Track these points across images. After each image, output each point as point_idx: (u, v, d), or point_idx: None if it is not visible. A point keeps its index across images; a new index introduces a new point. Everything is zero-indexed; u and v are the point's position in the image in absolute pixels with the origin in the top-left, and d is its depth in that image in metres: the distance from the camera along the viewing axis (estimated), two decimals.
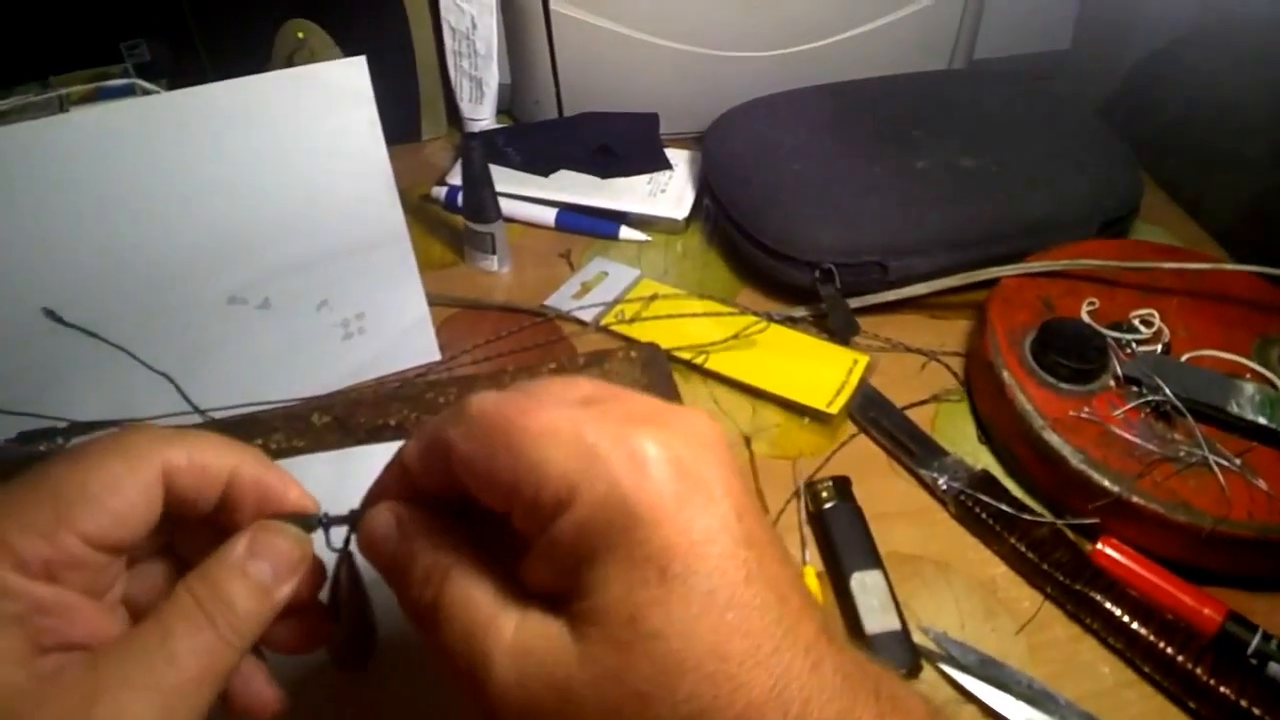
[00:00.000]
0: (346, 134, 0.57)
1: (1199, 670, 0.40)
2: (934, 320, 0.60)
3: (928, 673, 0.42)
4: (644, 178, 0.70)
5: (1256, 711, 0.38)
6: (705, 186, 0.67)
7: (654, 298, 0.60)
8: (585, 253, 0.66)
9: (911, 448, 0.51)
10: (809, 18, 0.72)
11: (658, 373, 0.54)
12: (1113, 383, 0.49)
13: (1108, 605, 0.42)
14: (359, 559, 0.30)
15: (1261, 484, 0.44)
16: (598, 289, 0.61)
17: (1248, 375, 0.49)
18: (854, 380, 0.54)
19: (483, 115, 0.75)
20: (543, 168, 0.70)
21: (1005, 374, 0.50)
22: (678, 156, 0.72)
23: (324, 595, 0.31)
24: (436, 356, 0.57)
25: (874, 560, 0.45)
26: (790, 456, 0.51)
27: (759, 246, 0.60)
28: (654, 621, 0.23)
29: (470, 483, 0.26)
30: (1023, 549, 0.45)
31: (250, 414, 0.52)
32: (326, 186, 0.58)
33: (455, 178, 0.69)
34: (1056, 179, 0.61)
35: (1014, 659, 0.42)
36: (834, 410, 0.52)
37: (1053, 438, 0.47)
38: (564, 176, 0.70)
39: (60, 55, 0.67)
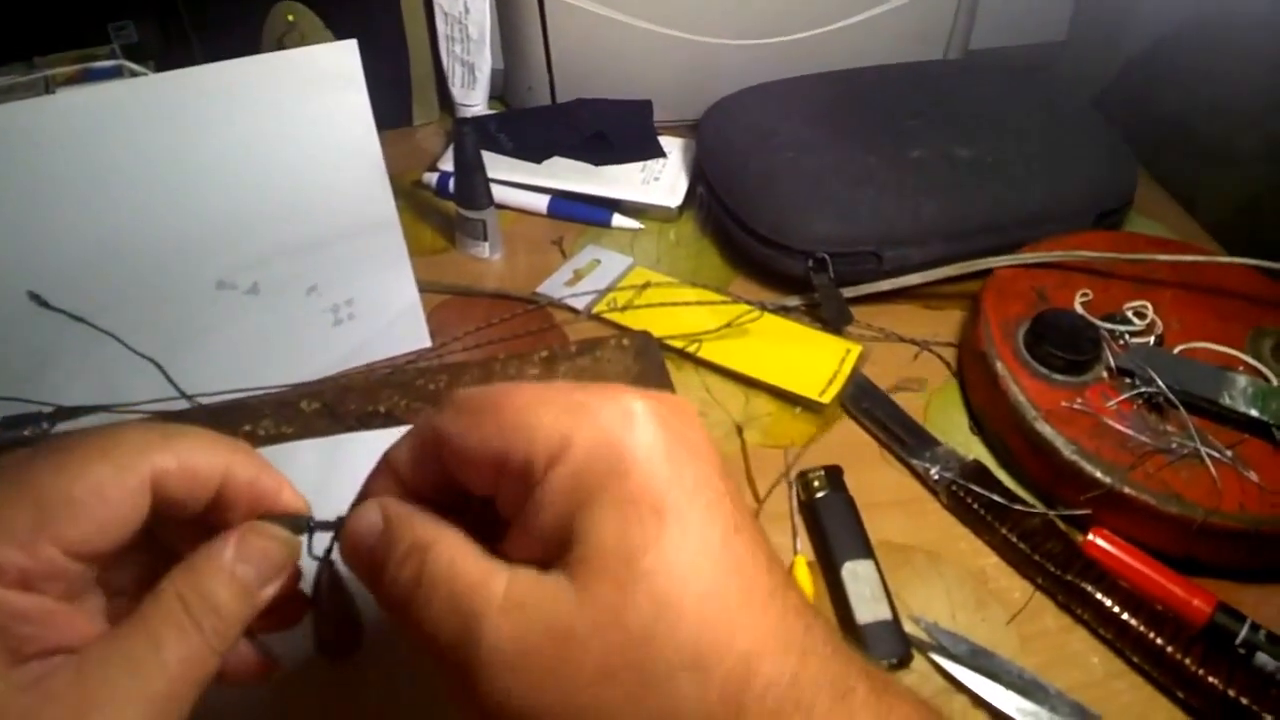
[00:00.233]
0: (337, 118, 0.57)
1: (1188, 660, 0.40)
2: (927, 310, 0.60)
3: (918, 662, 0.42)
4: (637, 165, 0.70)
5: (1244, 701, 0.38)
6: (699, 174, 0.67)
7: (646, 286, 0.60)
8: (578, 240, 0.65)
9: (904, 437, 0.51)
10: (804, 6, 0.72)
11: (650, 361, 0.53)
12: (1105, 374, 0.49)
13: (1098, 596, 0.42)
14: (341, 566, 0.30)
15: (1253, 476, 0.44)
16: (590, 277, 0.61)
17: (1240, 368, 0.49)
18: (846, 370, 0.54)
19: (475, 101, 0.74)
20: (535, 154, 0.70)
21: (998, 364, 0.50)
22: (671, 144, 0.72)
23: (306, 587, 0.31)
24: (427, 343, 0.56)
25: (865, 550, 0.45)
26: (782, 445, 0.51)
27: (752, 235, 0.60)
28: (652, 561, 0.23)
29: (460, 462, 0.26)
30: (1014, 539, 0.45)
31: (238, 400, 0.51)
32: (316, 171, 0.57)
33: (447, 163, 0.68)
34: (1052, 170, 0.61)
35: (1005, 649, 0.42)
36: (826, 400, 0.52)
37: (1045, 428, 0.47)
38: (557, 163, 0.69)
39: (46, 35, 0.66)
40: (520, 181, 0.68)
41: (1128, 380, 0.49)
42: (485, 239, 0.63)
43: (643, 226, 0.66)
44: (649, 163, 0.70)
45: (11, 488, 0.25)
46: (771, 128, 0.64)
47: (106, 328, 0.52)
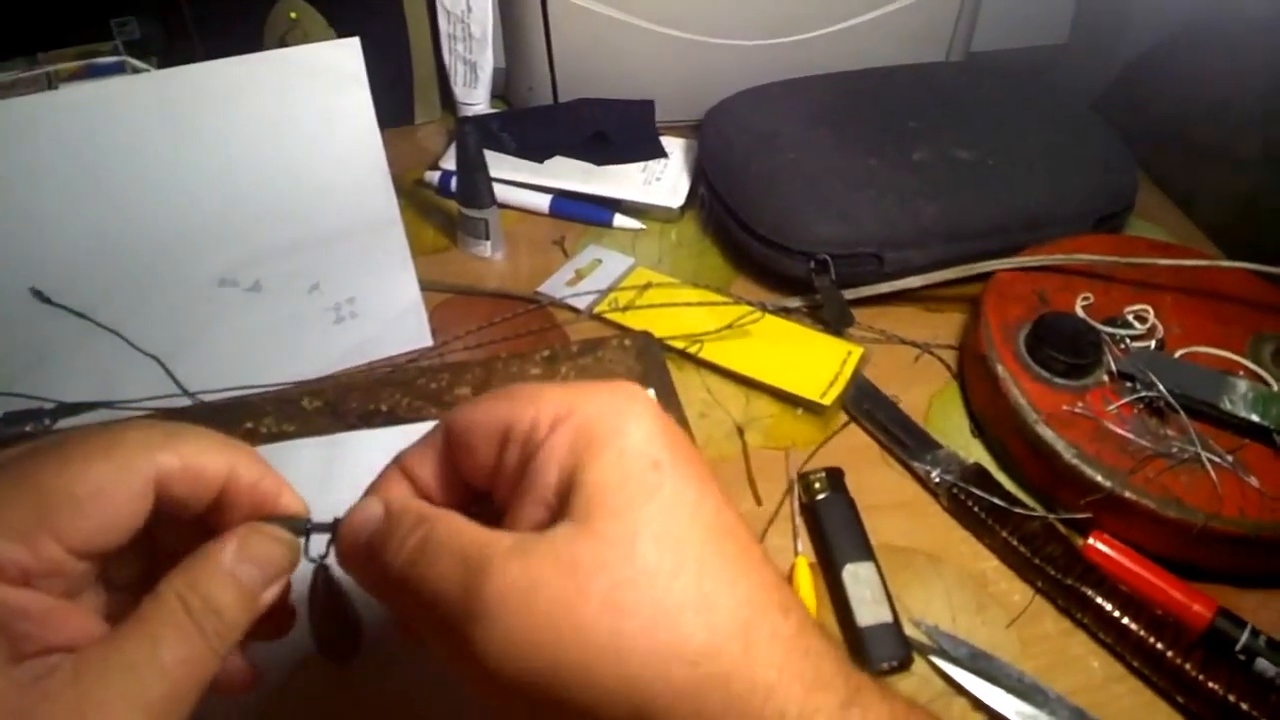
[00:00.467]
0: (339, 116, 0.57)
1: (1188, 666, 0.40)
2: (928, 313, 0.60)
3: (919, 665, 0.42)
4: (639, 165, 0.70)
5: (1244, 707, 0.38)
6: (700, 175, 0.67)
7: (648, 286, 0.60)
8: (579, 240, 0.65)
9: (904, 440, 0.51)
10: (807, 7, 0.72)
11: (651, 361, 0.53)
12: (1106, 378, 0.49)
13: (1098, 600, 0.42)
14: (335, 569, 0.30)
15: (1253, 481, 0.44)
16: (591, 277, 0.61)
17: (1241, 372, 0.49)
18: (848, 371, 0.54)
19: (477, 100, 0.74)
20: (537, 154, 0.70)
21: (999, 368, 0.50)
22: (673, 144, 0.72)
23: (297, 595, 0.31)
24: (429, 342, 0.56)
25: (866, 552, 0.45)
26: (783, 447, 0.51)
27: (754, 236, 0.60)
28: (655, 508, 0.25)
29: (466, 440, 0.27)
30: (1014, 543, 0.45)
31: (240, 397, 0.51)
32: (318, 169, 0.57)
33: (448, 162, 0.68)
34: (1053, 173, 0.61)
35: (1005, 652, 0.42)
36: (827, 401, 0.52)
37: (1046, 432, 0.47)
38: (558, 163, 0.69)
39: (49, 31, 0.66)
40: (522, 181, 0.68)
41: (1128, 384, 0.49)
42: (487, 238, 0.63)
43: (644, 227, 0.66)
44: (650, 163, 0.70)
45: (13, 484, 0.25)
46: (773, 129, 0.64)
47: (108, 324, 0.52)
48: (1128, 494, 0.44)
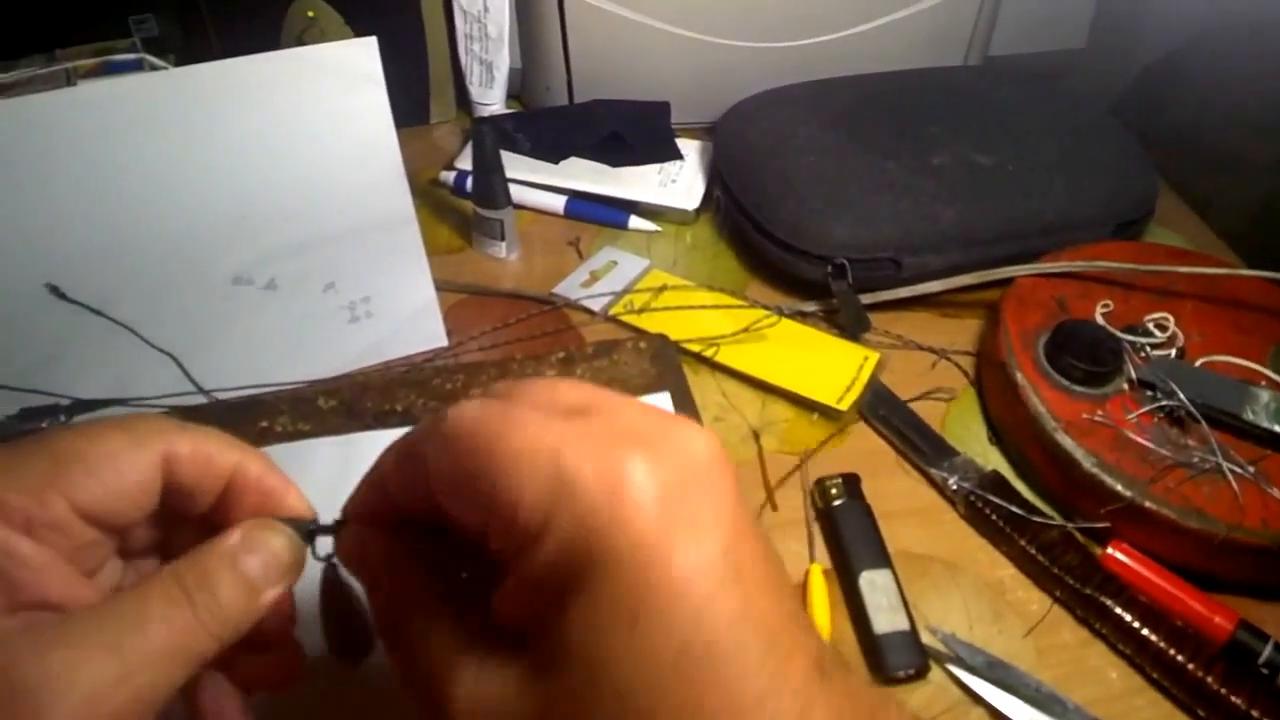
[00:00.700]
0: (355, 115, 0.57)
1: (1209, 679, 0.39)
2: (945, 318, 0.60)
3: (935, 674, 0.42)
4: (654, 167, 0.69)
5: None
6: (716, 177, 0.67)
7: (663, 288, 0.60)
8: (594, 241, 0.65)
9: (921, 446, 0.50)
10: (824, 10, 0.72)
11: (667, 364, 0.53)
12: (1126, 386, 0.49)
13: (1117, 610, 0.42)
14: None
15: (1275, 492, 0.44)
16: (606, 278, 0.61)
17: (1263, 382, 0.49)
18: (864, 377, 0.54)
19: (492, 100, 0.74)
20: (552, 154, 0.69)
21: (1019, 375, 0.50)
22: (688, 147, 0.72)
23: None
24: (444, 342, 0.56)
25: (883, 559, 0.44)
26: (798, 452, 0.51)
27: (771, 239, 0.60)
28: (619, 675, 0.22)
29: (444, 500, 0.25)
30: (1032, 551, 0.45)
31: (255, 396, 0.51)
32: (334, 167, 0.57)
33: (463, 162, 0.68)
34: (1072, 179, 0.61)
35: (1022, 662, 0.42)
36: (844, 406, 0.52)
37: (1065, 440, 0.47)
38: (574, 164, 0.69)
39: (67, 28, 0.66)
40: (537, 181, 0.67)
41: (1149, 393, 0.48)
42: (502, 239, 0.62)
43: (659, 229, 0.66)
44: (666, 165, 0.70)
45: (32, 447, 0.26)
46: (790, 131, 0.64)
47: (123, 321, 0.52)
48: (1148, 504, 0.44)
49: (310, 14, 0.68)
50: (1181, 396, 0.47)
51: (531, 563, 0.23)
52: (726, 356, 0.55)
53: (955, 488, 0.48)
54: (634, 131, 0.70)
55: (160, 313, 0.53)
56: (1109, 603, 0.42)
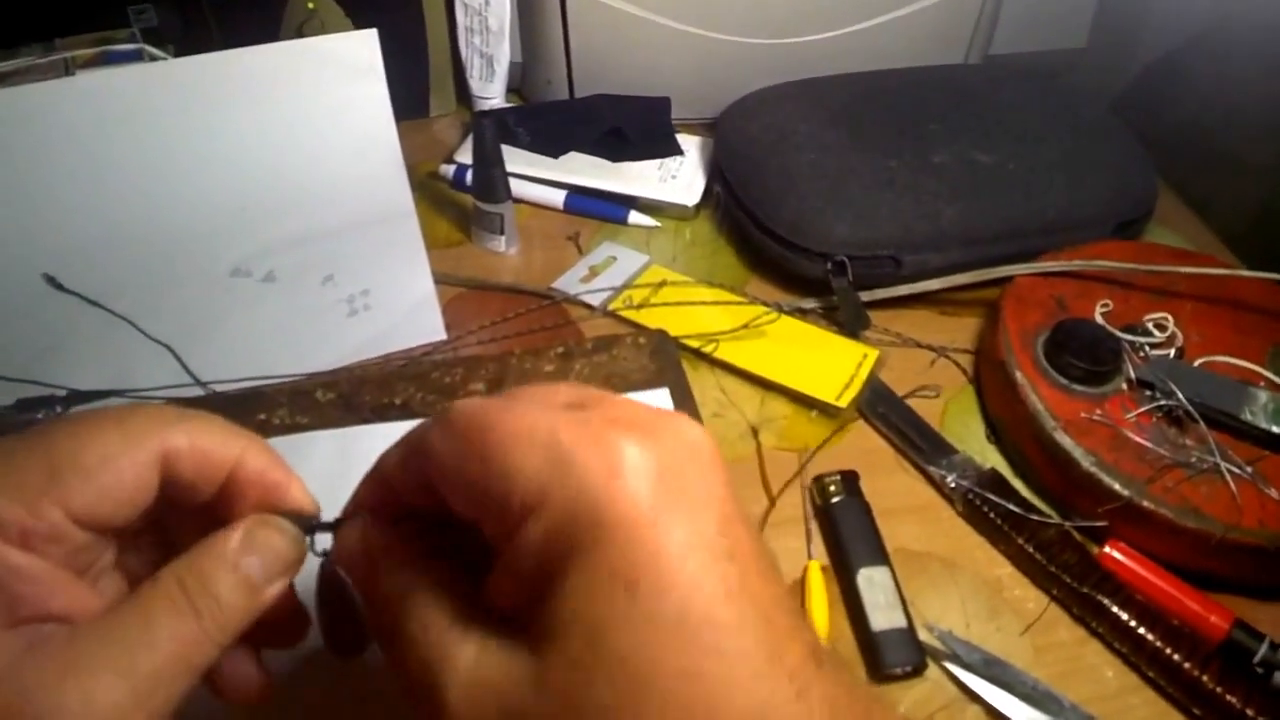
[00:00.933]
0: (355, 107, 0.57)
1: (1205, 677, 0.39)
2: (944, 316, 0.60)
3: (932, 671, 0.42)
4: (654, 163, 0.69)
5: None
6: (716, 173, 0.67)
7: (663, 284, 0.60)
8: (594, 236, 0.65)
9: (920, 444, 0.50)
10: (826, 7, 0.72)
11: (666, 360, 0.53)
12: (1125, 386, 0.49)
13: (1114, 609, 0.42)
14: None
15: (1273, 493, 0.44)
16: (606, 273, 0.61)
17: (1261, 383, 0.49)
18: (863, 374, 0.54)
19: (492, 93, 0.74)
20: (552, 149, 0.69)
21: (1017, 373, 0.50)
22: (689, 142, 0.71)
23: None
24: (442, 336, 0.56)
25: (881, 556, 0.44)
26: (797, 449, 0.51)
27: (771, 236, 0.60)
28: (618, 641, 0.22)
29: (445, 487, 0.25)
30: (1030, 550, 0.45)
31: (253, 388, 0.51)
32: (333, 160, 0.57)
33: (463, 155, 0.68)
34: (1072, 178, 0.61)
35: (1019, 660, 0.42)
36: (843, 404, 0.52)
37: (1064, 439, 0.47)
38: (574, 159, 0.69)
39: (66, 17, 0.66)
40: (537, 176, 0.67)
41: (1148, 392, 0.48)
42: (502, 233, 0.62)
43: (659, 224, 0.66)
44: (666, 160, 0.70)
45: (24, 448, 0.25)
46: (791, 128, 0.64)
47: (121, 312, 0.52)
48: (1145, 503, 0.44)
49: (310, 5, 0.68)
50: (1180, 396, 0.47)
51: (527, 538, 0.23)
52: (726, 353, 0.55)
53: (953, 486, 0.48)
54: (634, 127, 0.70)
55: (158, 304, 0.53)
56: (1106, 601, 0.42)
